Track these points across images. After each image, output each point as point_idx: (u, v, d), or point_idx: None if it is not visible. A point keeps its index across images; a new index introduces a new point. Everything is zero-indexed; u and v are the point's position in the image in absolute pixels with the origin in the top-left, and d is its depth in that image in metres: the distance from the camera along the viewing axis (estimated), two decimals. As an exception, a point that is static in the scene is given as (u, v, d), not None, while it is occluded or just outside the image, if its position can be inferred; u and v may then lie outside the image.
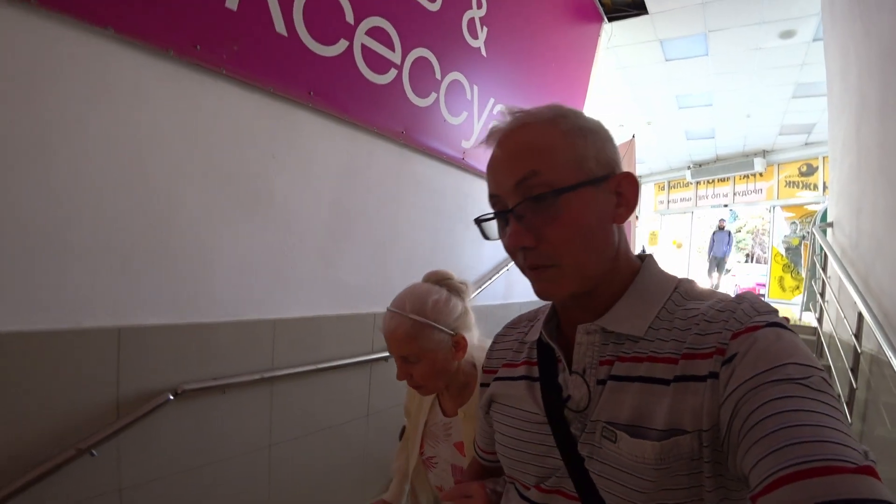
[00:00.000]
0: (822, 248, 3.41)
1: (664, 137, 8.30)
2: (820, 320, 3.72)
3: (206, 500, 1.69)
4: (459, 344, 0.97)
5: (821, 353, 3.26)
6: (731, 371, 0.42)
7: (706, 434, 0.43)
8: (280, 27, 1.73)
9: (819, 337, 3.53)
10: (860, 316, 2.41)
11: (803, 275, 7.04)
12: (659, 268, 0.58)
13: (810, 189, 8.22)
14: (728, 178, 9.44)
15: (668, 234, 10.96)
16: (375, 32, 2.11)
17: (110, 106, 1.38)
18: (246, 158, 1.74)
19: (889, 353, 1.96)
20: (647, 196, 11.19)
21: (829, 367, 2.96)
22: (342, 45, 1.97)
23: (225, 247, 1.70)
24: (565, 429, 0.53)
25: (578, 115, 0.55)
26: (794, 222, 8.28)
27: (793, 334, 0.44)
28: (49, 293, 1.30)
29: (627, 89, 6.42)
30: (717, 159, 9.45)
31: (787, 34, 4.85)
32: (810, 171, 8.23)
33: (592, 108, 4.70)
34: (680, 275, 0.59)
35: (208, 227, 1.64)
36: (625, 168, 0.56)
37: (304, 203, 1.96)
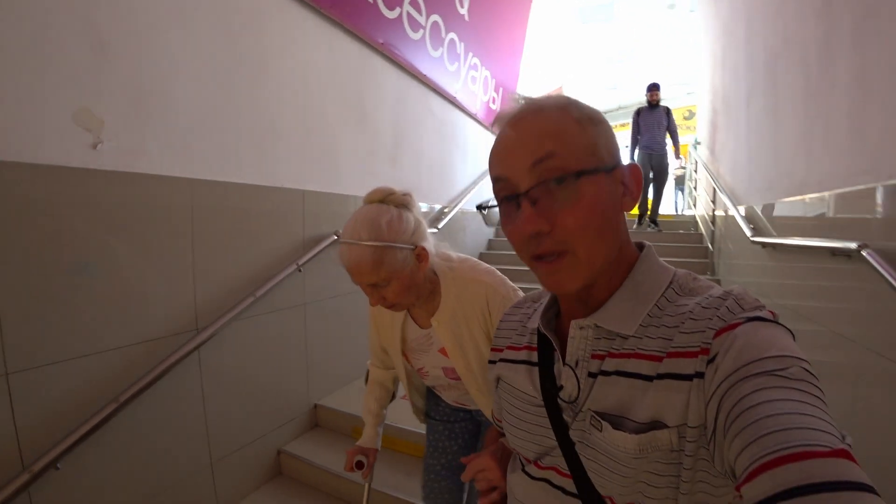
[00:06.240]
0: (695, 160, 5.00)
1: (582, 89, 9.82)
2: (694, 206, 5.46)
3: (354, 315, 2.68)
4: (421, 255, 0.98)
5: (696, 228, 4.87)
6: (715, 370, 0.44)
7: (692, 430, 0.45)
8: (369, -2, 2.63)
9: (695, 220, 5.18)
10: (714, 190, 3.90)
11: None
12: (656, 260, 0.58)
13: (692, 132, 10.23)
14: (627, 124, 11.30)
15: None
16: (413, 3, 3.05)
17: (297, 50, 2.25)
18: (352, 87, 2.67)
19: (730, 207, 3.32)
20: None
21: (702, 234, 4.53)
22: (397, 11, 2.90)
23: (346, 144, 2.63)
24: (558, 414, 0.57)
25: (586, 105, 0.55)
26: (680, 157, 10.34)
27: (773, 326, 0.45)
28: (266, 163, 2.13)
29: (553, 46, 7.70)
30: (619, 108, 11.27)
31: (671, 6, 6.35)
32: (691, 115, 10.24)
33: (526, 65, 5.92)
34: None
35: (339, 131, 2.57)
36: None
37: (380, 120, 2.92)
